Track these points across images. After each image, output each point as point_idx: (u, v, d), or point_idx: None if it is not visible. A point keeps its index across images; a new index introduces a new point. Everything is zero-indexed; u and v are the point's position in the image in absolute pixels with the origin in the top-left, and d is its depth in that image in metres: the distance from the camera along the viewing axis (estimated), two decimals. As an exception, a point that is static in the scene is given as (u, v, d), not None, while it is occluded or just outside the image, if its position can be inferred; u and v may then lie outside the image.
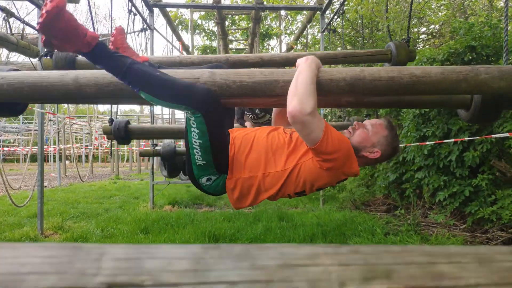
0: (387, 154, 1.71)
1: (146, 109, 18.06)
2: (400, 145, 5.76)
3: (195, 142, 1.63)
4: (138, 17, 5.78)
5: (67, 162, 19.32)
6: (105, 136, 3.82)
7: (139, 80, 1.52)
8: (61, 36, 1.34)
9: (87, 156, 21.89)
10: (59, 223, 5.23)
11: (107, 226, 4.99)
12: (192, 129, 1.61)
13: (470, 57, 4.67)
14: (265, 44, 14.39)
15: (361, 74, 1.53)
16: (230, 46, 12.66)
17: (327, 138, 1.49)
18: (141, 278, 0.28)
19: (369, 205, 6.82)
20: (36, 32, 4.82)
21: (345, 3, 6.67)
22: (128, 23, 5.13)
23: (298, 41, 10.01)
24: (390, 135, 1.69)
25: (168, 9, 7.53)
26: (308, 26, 9.08)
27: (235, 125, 3.73)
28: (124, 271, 0.29)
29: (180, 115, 13.11)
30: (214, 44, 14.57)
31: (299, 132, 1.53)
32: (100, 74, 1.50)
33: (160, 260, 0.30)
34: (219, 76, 1.51)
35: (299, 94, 1.45)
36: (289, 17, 12.76)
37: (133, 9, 5.38)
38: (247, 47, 12.62)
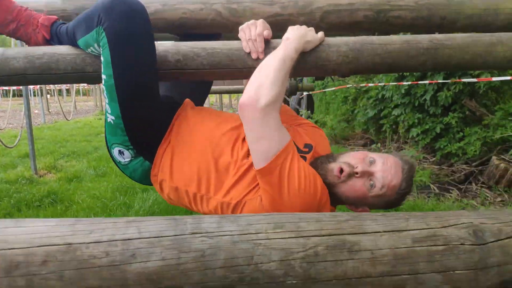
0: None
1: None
2: (380, 84, 5.97)
3: (103, 80, 1.18)
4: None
5: (48, 96, 18.99)
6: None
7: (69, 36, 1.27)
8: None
9: (68, 90, 21.50)
10: (52, 162, 5.44)
11: (99, 165, 5.22)
12: (101, 61, 1.17)
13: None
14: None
15: (368, 39, 1.26)
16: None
17: (283, 164, 1.04)
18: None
19: (348, 140, 7.18)
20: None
21: None
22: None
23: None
24: (397, 200, 1.19)
25: None
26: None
27: None
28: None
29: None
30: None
31: (246, 136, 1.11)
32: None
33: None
34: (186, 45, 1.22)
35: (258, 80, 1.06)
36: None
37: None
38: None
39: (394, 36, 1.30)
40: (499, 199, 3.73)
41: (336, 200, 1.18)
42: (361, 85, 6.54)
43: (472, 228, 0.61)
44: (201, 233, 0.62)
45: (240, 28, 1.24)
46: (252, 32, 1.18)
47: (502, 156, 4.21)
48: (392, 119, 6.01)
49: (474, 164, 4.52)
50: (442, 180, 4.35)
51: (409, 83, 5.14)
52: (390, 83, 5.50)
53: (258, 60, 1.18)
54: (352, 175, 1.13)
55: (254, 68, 1.15)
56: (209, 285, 0.58)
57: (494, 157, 4.22)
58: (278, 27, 1.41)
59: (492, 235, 0.61)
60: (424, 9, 1.44)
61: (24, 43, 1.42)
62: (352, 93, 7.23)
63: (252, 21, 1.22)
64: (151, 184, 1.38)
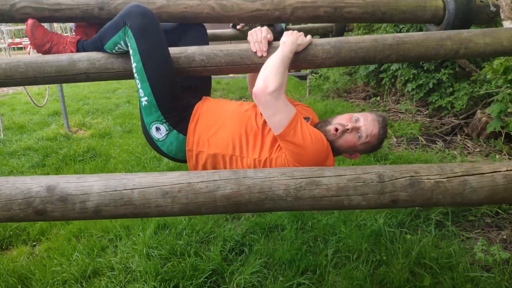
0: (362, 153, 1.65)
1: None
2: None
3: (134, 69, 1.51)
4: None
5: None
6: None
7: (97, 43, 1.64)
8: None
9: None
10: (81, 120, 6.03)
11: (124, 122, 5.81)
12: (131, 54, 1.51)
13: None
14: None
15: (345, 39, 1.63)
16: None
17: (295, 128, 1.40)
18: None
19: (350, 93, 7.62)
20: None
21: None
22: None
23: None
24: (378, 144, 1.58)
25: None
26: None
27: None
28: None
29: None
30: None
31: (263, 114, 1.44)
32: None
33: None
34: (207, 48, 1.61)
35: (265, 74, 1.39)
36: None
37: None
38: None
39: (366, 36, 1.73)
40: (478, 149, 4.29)
41: (335, 152, 1.54)
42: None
43: (378, 174, 1.18)
44: (247, 177, 1.20)
45: (249, 32, 1.66)
46: (258, 36, 1.60)
47: (486, 110, 4.69)
48: (391, 73, 6.43)
49: (461, 117, 5.04)
50: (430, 132, 4.90)
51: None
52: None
53: (262, 58, 1.56)
54: (344, 131, 1.51)
55: (260, 64, 1.53)
56: (252, 200, 1.17)
57: (478, 111, 4.72)
58: (258, 20, 1.88)
59: (388, 177, 1.18)
60: (369, 6, 1.89)
61: None
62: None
63: (258, 27, 1.60)
64: (184, 160, 1.64)
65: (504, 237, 2.61)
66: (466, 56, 1.84)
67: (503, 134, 4.23)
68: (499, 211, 2.84)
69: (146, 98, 1.52)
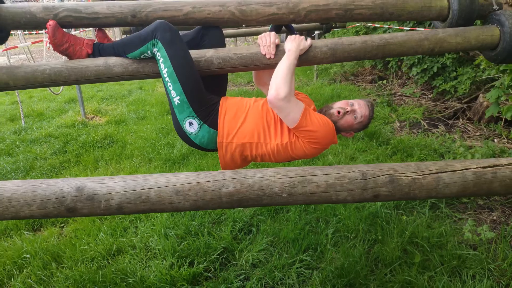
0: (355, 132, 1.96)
1: None
2: (385, 26, 6.39)
3: (164, 74, 1.74)
4: None
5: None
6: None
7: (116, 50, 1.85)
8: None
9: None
10: (96, 107, 6.29)
11: (137, 109, 6.05)
12: (160, 63, 1.74)
13: None
14: None
15: (340, 41, 1.87)
16: None
17: (306, 119, 1.69)
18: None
19: (357, 76, 7.74)
20: None
21: None
22: None
23: None
24: (367, 124, 1.91)
25: None
26: None
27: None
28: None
29: None
30: None
31: (278, 115, 1.72)
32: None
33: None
34: (223, 51, 1.85)
35: (276, 82, 1.63)
36: None
37: None
38: None
39: (356, 37, 1.94)
40: (478, 133, 4.44)
41: (336, 131, 1.84)
42: (368, 24, 6.93)
43: (361, 172, 1.39)
44: (248, 176, 1.41)
45: (258, 37, 1.89)
46: (267, 40, 1.84)
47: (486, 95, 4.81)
48: (397, 57, 6.52)
49: (464, 101, 5.17)
50: (433, 116, 5.04)
51: (410, 26, 5.59)
52: (393, 26, 5.94)
53: (270, 60, 1.80)
54: (345, 113, 1.83)
55: (267, 65, 1.79)
56: (252, 197, 1.38)
57: (481, 95, 4.84)
58: (274, 22, 2.07)
59: (370, 175, 1.38)
60: (378, 8, 2.04)
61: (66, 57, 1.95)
62: (362, 29, 7.60)
63: (267, 32, 1.87)
64: (212, 150, 1.87)
65: (494, 218, 2.81)
66: (440, 53, 2.05)
67: (503, 119, 4.37)
68: (491, 193, 3.02)
69: (178, 97, 1.75)
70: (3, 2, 1.84)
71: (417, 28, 5.47)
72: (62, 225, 3.05)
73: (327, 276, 2.23)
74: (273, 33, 1.86)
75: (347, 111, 1.83)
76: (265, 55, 1.83)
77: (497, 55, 1.95)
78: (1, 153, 4.54)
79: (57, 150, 4.48)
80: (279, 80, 1.64)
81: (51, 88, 6.83)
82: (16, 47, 5.96)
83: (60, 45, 1.85)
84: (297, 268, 2.34)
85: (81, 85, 6.99)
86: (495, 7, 2.03)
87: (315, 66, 7.77)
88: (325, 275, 2.24)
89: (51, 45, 1.88)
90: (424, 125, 4.71)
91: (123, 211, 1.35)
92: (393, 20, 2.18)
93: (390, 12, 2.09)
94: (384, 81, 6.84)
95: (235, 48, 1.90)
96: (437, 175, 1.44)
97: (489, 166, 1.48)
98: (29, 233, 2.90)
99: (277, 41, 1.84)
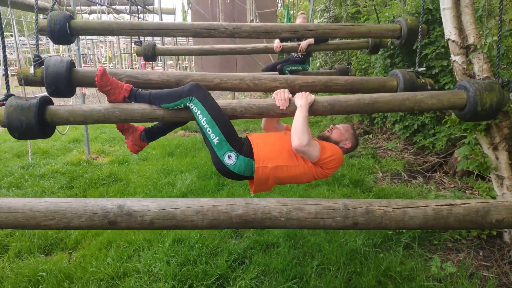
0: (354, 145, 2.45)
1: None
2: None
3: (203, 122, 2.11)
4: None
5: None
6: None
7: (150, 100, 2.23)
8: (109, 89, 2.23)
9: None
10: (100, 147, 6.67)
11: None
12: (197, 114, 2.13)
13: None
14: None
15: (337, 98, 2.30)
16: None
17: (323, 153, 2.14)
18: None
19: (346, 129, 8.27)
20: None
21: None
22: None
23: None
24: (354, 133, 2.45)
25: None
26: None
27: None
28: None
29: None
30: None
31: (303, 156, 2.15)
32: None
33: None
34: (244, 101, 2.28)
35: (297, 133, 2.05)
36: None
37: None
38: None
39: (351, 96, 2.41)
40: (452, 185, 4.87)
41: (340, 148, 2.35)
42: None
43: (344, 204, 1.78)
44: (254, 203, 1.78)
45: (275, 92, 2.33)
46: (282, 96, 2.27)
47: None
48: (382, 114, 7.10)
49: (441, 156, 5.65)
50: (413, 169, 5.50)
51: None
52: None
53: (282, 110, 2.22)
54: (332, 129, 2.42)
55: (279, 114, 2.24)
56: (256, 219, 1.74)
57: (456, 151, 5.33)
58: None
59: (350, 207, 1.76)
60: (348, 85, 2.75)
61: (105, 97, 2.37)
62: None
63: (282, 89, 2.28)
64: (249, 176, 2.19)
65: (461, 258, 3.16)
66: (419, 111, 2.57)
67: (474, 173, 4.83)
68: (459, 237, 3.40)
69: (217, 138, 2.14)
70: (74, 66, 2.35)
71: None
72: (71, 251, 3.33)
73: (311, 299, 2.54)
74: (287, 90, 2.31)
75: (332, 128, 2.44)
76: (279, 106, 2.24)
77: (465, 114, 2.36)
78: (10, 185, 4.85)
79: (64, 185, 4.80)
80: (299, 131, 2.07)
81: (59, 129, 7.23)
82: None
83: (104, 86, 2.24)
84: (284, 293, 2.65)
85: (79, 127, 7.41)
86: (429, 87, 2.64)
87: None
88: (309, 299, 2.55)
89: (97, 85, 2.25)
90: (404, 176, 5.15)
91: (154, 226, 1.71)
92: (358, 92, 2.79)
93: (357, 87, 2.69)
94: (370, 135, 7.37)
95: (254, 100, 2.35)
96: (404, 209, 1.82)
97: (446, 205, 1.86)
98: (41, 255, 3.17)
99: (289, 96, 2.28)
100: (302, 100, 2.20)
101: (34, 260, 3.07)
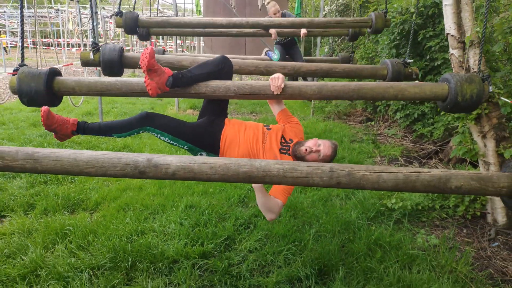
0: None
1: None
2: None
3: (167, 141, 2.37)
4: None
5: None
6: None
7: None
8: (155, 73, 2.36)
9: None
10: (113, 121, 6.98)
11: (150, 126, 6.74)
12: (158, 136, 2.37)
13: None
14: None
15: (325, 83, 2.56)
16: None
17: (285, 195, 2.38)
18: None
19: (349, 116, 8.55)
20: None
21: None
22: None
23: None
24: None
25: None
26: None
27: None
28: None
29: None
30: None
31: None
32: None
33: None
34: (238, 82, 2.50)
35: (265, 210, 2.30)
36: None
37: None
38: None
39: (338, 82, 2.64)
40: (446, 171, 5.17)
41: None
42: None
43: (330, 167, 2.08)
44: (257, 162, 2.10)
45: (271, 77, 2.49)
46: (277, 82, 2.41)
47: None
48: (385, 102, 7.36)
49: (438, 144, 5.94)
50: (410, 155, 5.79)
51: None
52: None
53: (277, 94, 2.46)
54: (311, 151, 2.31)
55: (270, 95, 2.41)
56: (258, 175, 2.06)
57: (452, 140, 5.61)
58: (285, 76, 2.90)
59: (335, 169, 2.06)
60: (345, 72, 3.00)
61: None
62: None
63: (277, 74, 2.45)
64: None
65: (447, 234, 3.49)
66: (402, 99, 2.85)
67: (467, 161, 5.12)
68: (446, 216, 3.72)
69: (185, 147, 2.42)
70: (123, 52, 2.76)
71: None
72: (91, 211, 3.68)
73: (307, 259, 2.87)
74: (281, 78, 2.42)
75: (312, 150, 2.32)
76: (274, 91, 2.40)
77: (447, 104, 2.52)
78: (31, 151, 5.17)
79: (82, 154, 5.13)
80: (266, 208, 2.32)
81: (73, 101, 7.53)
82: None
83: (51, 125, 2.31)
84: (284, 254, 2.98)
85: (90, 99, 7.70)
86: (414, 76, 3.06)
87: (312, 103, 8.59)
88: (305, 259, 2.88)
89: (43, 125, 2.30)
90: (401, 161, 5.45)
91: (176, 177, 2.01)
92: (354, 77, 3.15)
93: (353, 74, 2.97)
94: (372, 122, 7.64)
95: (247, 81, 2.61)
96: (379, 174, 2.08)
97: (414, 172, 2.11)
98: (66, 213, 3.52)
99: (283, 84, 2.39)
100: (256, 185, 2.30)
101: (60, 216, 3.41)
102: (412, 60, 3.33)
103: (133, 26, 4.15)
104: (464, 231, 3.54)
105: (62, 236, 3.12)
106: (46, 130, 2.45)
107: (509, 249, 3.23)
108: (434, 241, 3.18)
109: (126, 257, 2.83)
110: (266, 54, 5.54)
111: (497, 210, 3.54)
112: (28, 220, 3.36)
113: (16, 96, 2.40)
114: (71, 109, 8.03)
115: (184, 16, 14.92)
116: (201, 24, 4.08)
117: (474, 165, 5.17)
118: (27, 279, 2.59)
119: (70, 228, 3.17)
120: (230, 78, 2.58)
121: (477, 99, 2.40)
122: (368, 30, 4.29)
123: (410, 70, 3.14)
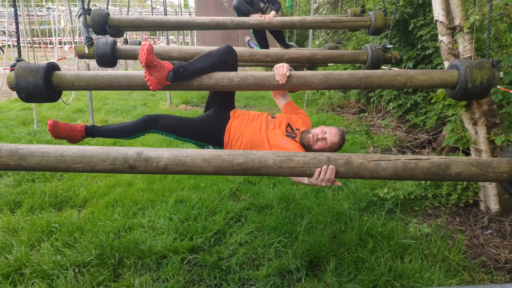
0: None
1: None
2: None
3: (173, 138, 2.44)
4: None
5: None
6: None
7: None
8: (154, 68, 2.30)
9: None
10: (104, 118, 6.90)
11: (141, 122, 6.67)
12: (164, 135, 2.43)
13: None
14: None
15: (331, 72, 2.38)
16: None
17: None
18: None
19: (343, 108, 8.50)
20: None
21: None
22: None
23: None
24: (338, 148, 2.36)
25: None
26: None
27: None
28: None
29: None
30: None
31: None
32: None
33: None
34: (241, 73, 2.41)
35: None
36: None
37: None
38: None
39: (344, 71, 2.60)
40: (439, 160, 5.13)
41: (308, 150, 2.34)
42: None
43: (327, 156, 2.03)
44: (252, 153, 2.04)
45: (275, 66, 2.40)
46: (282, 70, 2.30)
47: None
48: (378, 93, 7.32)
49: (431, 133, 5.90)
50: (403, 145, 5.76)
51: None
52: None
53: (279, 83, 2.27)
54: (318, 139, 2.30)
55: (275, 86, 2.32)
56: (254, 167, 2.00)
57: (444, 129, 5.58)
58: (269, 63, 2.85)
59: (333, 158, 2.02)
60: (326, 59, 2.95)
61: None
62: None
63: (282, 65, 2.25)
64: None
65: (439, 223, 3.45)
66: (411, 87, 2.77)
67: (460, 149, 5.09)
68: (439, 205, 3.69)
69: (192, 142, 2.46)
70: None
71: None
72: (79, 208, 3.62)
73: (298, 251, 2.83)
74: (286, 66, 2.32)
75: (319, 138, 2.31)
76: (278, 81, 2.29)
77: (456, 92, 2.39)
78: (20, 150, 5.09)
79: (71, 151, 5.05)
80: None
81: (63, 98, 7.43)
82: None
83: (59, 134, 2.42)
84: (275, 247, 2.94)
85: (82, 96, 7.62)
86: (394, 60, 3.07)
87: (306, 96, 8.54)
88: (296, 251, 2.84)
89: (52, 136, 2.42)
90: (394, 151, 5.41)
91: (167, 171, 1.94)
92: (336, 63, 3.25)
93: (334, 60, 3.03)
94: (366, 114, 7.60)
95: (251, 72, 2.52)
96: (377, 162, 2.04)
97: (413, 159, 2.08)
98: (53, 210, 3.46)
99: (289, 73, 2.29)
100: None
101: (47, 214, 3.35)
102: (391, 46, 3.29)
103: (102, 25, 3.70)
104: (457, 219, 3.51)
105: (48, 234, 3.06)
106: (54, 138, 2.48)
107: (502, 236, 3.20)
108: (426, 230, 3.14)
109: (113, 253, 2.77)
110: (248, 44, 5.48)
111: (489, 197, 3.51)
112: (13, 218, 3.30)
113: (5, 95, 2.34)
114: (62, 107, 7.93)
115: (176, 11, 14.80)
116: (180, 23, 3.91)
117: (467, 154, 5.13)
118: (11, 278, 2.54)
119: (56, 225, 3.11)
120: (235, 69, 2.51)
121: (487, 85, 2.32)
122: (367, 31, 3.89)
123: (389, 55, 3.18)
